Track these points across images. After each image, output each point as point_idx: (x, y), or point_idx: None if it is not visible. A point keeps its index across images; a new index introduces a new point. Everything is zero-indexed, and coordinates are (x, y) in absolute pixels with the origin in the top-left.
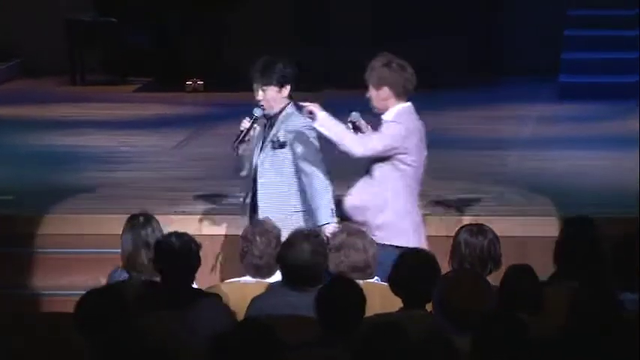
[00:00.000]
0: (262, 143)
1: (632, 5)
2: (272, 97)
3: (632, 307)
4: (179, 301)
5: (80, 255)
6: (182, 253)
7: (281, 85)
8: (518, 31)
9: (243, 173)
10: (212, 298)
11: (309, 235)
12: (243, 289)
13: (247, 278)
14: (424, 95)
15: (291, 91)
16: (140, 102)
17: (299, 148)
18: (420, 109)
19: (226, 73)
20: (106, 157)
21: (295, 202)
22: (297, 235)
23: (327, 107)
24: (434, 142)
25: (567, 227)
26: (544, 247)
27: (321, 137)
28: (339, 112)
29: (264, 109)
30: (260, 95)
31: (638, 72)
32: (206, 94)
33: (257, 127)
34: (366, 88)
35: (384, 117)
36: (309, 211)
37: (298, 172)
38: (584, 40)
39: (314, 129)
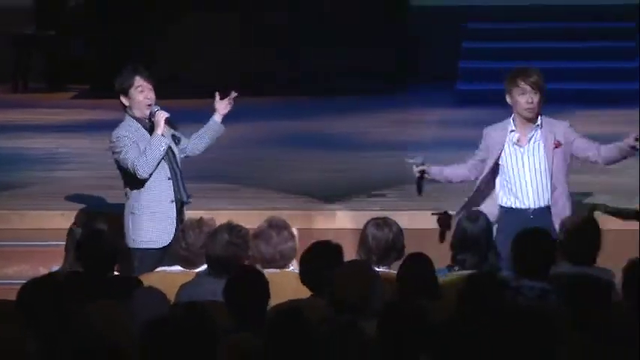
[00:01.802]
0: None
1: (527, 18)
2: (154, 96)
3: (530, 294)
4: (116, 291)
5: (24, 247)
6: (102, 246)
7: None
8: (423, 43)
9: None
10: (146, 287)
11: (233, 228)
12: (170, 278)
13: (176, 268)
14: (344, 101)
15: None
16: (77, 108)
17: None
18: (339, 113)
19: (157, 82)
20: (46, 158)
21: None
22: (221, 227)
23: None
24: (350, 144)
25: (463, 220)
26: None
27: None
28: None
29: (145, 111)
30: (148, 93)
31: None
32: None
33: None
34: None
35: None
36: None
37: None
38: (480, 51)
39: None
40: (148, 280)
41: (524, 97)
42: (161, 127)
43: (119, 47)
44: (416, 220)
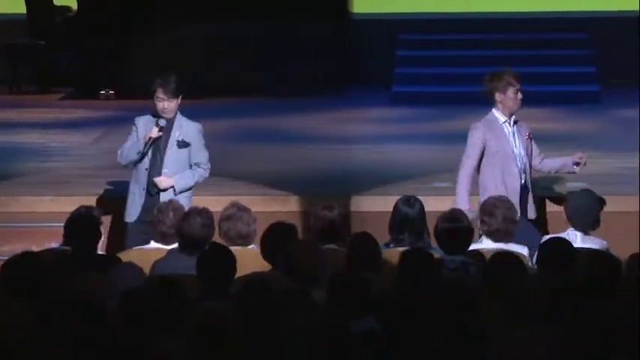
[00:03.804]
0: (164, 143)
1: (458, 30)
2: (174, 106)
3: (451, 266)
4: (99, 265)
5: (19, 228)
6: (87, 227)
7: (179, 96)
8: (363, 51)
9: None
10: (126, 262)
11: (202, 211)
12: (146, 255)
13: (151, 245)
14: (290, 102)
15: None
16: (64, 107)
17: (196, 146)
18: (289, 113)
19: (132, 84)
20: (38, 150)
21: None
22: (192, 211)
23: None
24: (303, 138)
25: (401, 204)
26: (381, 220)
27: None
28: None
29: (164, 116)
30: (165, 105)
31: (456, 84)
32: (117, 101)
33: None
34: None
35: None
36: (190, 196)
37: (192, 163)
38: (412, 58)
39: (203, 130)
40: (127, 256)
41: (518, 94)
42: (145, 138)
43: (99, 57)
44: (360, 204)
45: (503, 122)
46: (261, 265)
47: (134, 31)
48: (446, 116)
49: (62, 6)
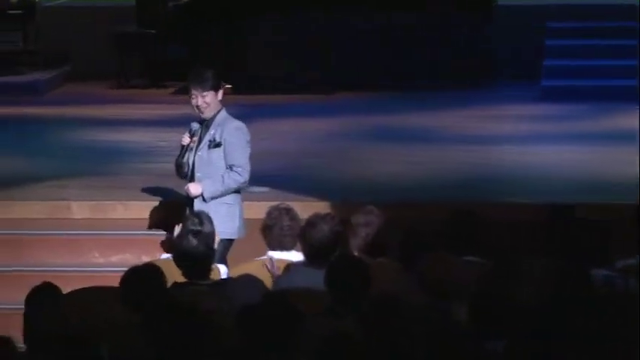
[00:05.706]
0: (199, 143)
1: (608, 17)
2: (211, 102)
3: (596, 280)
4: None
5: (127, 237)
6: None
7: (216, 90)
8: (505, 42)
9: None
10: (243, 274)
11: (326, 216)
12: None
13: (269, 254)
14: (427, 97)
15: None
16: (175, 103)
17: (231, 146)
18: (422, 109)
19: (250, 76)
20: (146, 150)
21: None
22: (316, 217)
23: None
24: (434, 138)
25: (552, 212)
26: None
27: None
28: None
29: (202, 115)
30: (200, 101)
31: (612, 77)
32: (233, 96)
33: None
34: None
35: None
36: (234, 203)
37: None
38: (563, 48)
39: (243, 129)
40: (247, 268)
41: None
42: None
43: (212, 48)
44: (505, 212)
45: None
46: (395, 278)
47: (250, 19)
48: (602, 113)
49: None
